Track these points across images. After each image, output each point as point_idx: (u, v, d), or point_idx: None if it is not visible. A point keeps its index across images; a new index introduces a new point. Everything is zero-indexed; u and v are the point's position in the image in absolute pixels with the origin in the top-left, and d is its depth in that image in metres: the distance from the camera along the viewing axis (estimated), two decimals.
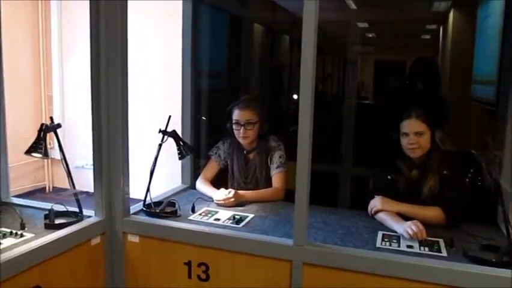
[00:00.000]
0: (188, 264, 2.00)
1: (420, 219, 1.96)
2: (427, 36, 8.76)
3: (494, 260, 1.67)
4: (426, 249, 1.81)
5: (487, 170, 1.76)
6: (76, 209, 2.07)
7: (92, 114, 2.01)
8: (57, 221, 1.96)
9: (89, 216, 2.07)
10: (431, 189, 2.11)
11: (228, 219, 2.12)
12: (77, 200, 2.08)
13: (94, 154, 2.04)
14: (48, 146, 2.00)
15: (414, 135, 2.09)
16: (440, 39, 7.18)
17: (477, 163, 1.81)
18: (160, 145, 2.22)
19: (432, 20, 7.08)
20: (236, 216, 2.14)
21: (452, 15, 5.58)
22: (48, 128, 1.98)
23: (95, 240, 2.03)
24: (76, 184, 2.10)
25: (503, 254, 1.69)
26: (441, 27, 7.11)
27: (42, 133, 1.95)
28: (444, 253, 1.78)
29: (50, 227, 1.91)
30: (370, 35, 8.89)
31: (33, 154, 1.94)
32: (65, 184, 2.09)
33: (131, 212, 2.16)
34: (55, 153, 2.11)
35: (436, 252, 1.79)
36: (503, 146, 2.14)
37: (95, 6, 1.94)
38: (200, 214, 2.19)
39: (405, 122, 2.12)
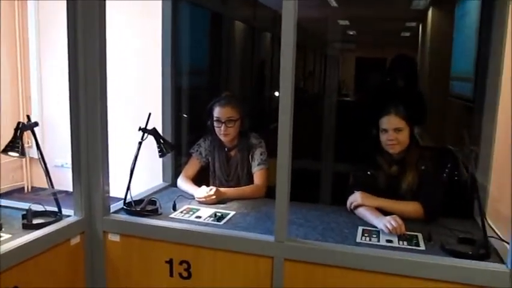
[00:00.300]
0: (170, 262, 1.99)
1: (399, 214, 1.99)
2: (407, 34, 8.87)
3: (470, 252, 1.71)
4: (405, 243, 1.84)
5: (464, 164, 1.80)
6: (55, 209, 2.04)
7: (71, 113, 1.98)
8: (35, 221, 1.93)
9: (69, 216, 2.05)
10: (409, 185, 2.14)
11: (209, 216, 2.12)
12: (56, 200, 2.05)
13: (72, 153, 2.01)
14: (26, 145, 1.96)
15: (393, 132, 2.12)
16: (420, 36, 7.28)
17: (454, 158, 1.84)
18: (140, 143, 2.20)
19: (411, 17, 7.17)
20: (217, 214, 2.14)
21: (431, 13, 5.66)
22: (25, 127, 1.94)
23: (75, 240, 2.01)
24: (55, 183, 2.06)
25: (479, 246, 1.73)
26: (421, 25, 7.21)
27: (18, 132, 1.92)
28: (422, 247, 1.81)
29: (28, 227, 1.88)
30: (351, 33, 8.95)
31: (10, 153, 1.90)
32: (45, 184, 2.05)
33: (112, 210, 2.14)
34: (34, 153, 2.07)
35: (415, 246, 1.81)
36: (480, 141, 2.19)
37: (73, 6, 1.91)
38: (181, 212, 2.18)
39: (385, 118, 2.15)
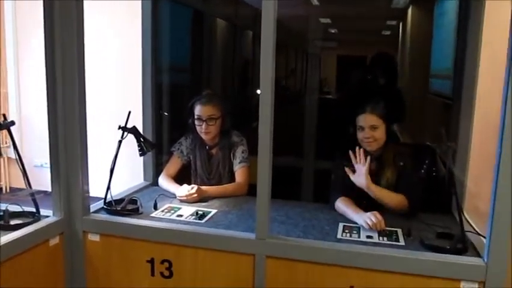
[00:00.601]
0: (151, 261, 1.97)
1: (385, 202, 2.04)
2: (388, 32, 8.95)
3: (448, 247, 1.74)
4: (385, 239, 1.86)
5: (442, 160, 1.83)
6: (33, 209, 2.01)
7: (48, 111, 1.95)
8: (12, 222, 1.89)
9: (47, 216, 2.02)
10: (388, 181, 2.17)
11: (190, 215, 2.11)
12: (34, 200, 2.02)
13: (50, 152, 1.98)
14: (4, 145, 1.92)
15: (369, 129, 2.15)
16: (400, 35, 7.36)
17: (433, 154, 1.87)
18: (120, 141, 2.18)
19: (392, 16, 7.24)
20: (199, 212, 2.13)
21: (411, 12, 5.73)
22: (1, 126, 1.91)
23: (54, 241, 1.98)
24: (35, 184, 2.03)
25: (457, 241, 1.77)
26: (401, 23, 7.29)
27: None
28: (402, 242, 1.83)
29: (5, 228, 1.84)
30: (332, 31, 9.00)
31: None
32: (23, 184, 2.02)
33: (92, 210, 2.11)
34: (12, 152, 2.03)
35: (394, 241, 1.84)
36: (457, 137, 2.23)
37: (49, 6, 1.88)
38: (162, 211, 2.17)
39: (361, 116, 2.17)
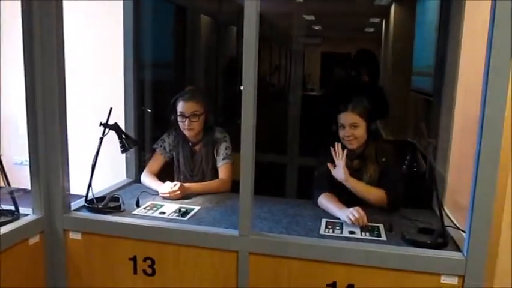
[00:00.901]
0: (134, 259, 1.96)
1: (365, 197, 2.07)
2: (371, 30, 9.02)
3: (429, 242, 1.76)
4: (367, 234, 1.87)
5: (423, 156, 1.85)
6: (12, 208, 1.97)
7: (27, 108, 1.91)
8: None
9: (27, 215, 1.98)
10: (371, 178, 2.19)
11: (173, 212, 2.10)
12: (13, 198, 1.97)
13: (29, 149, 1.94)
14: None
15: (350, 128, 2.16)
16: (383, 32, 7.42)
17: (414, 151, 1.89)
18: (101, 138, 2.15)
19: (375, 13, 7.29)
20: (182, 209, 2.12)
21: (394, 9, 5.78)
22: None
23: (34, 239, 1.95)
24: (15, 182, 1.99)
25: (438, 236, 1.79)
26: (384, 20, 7.35)
27: None
28: (384, 237, 1.85)
29: None
30: (316, 28, 9.03)
31: None
32: (2, 182, 1.98)
33: (73, 208, 2.09)
34: None
35: (376, 237, 1.85)
36: (438, 133, 2.26)
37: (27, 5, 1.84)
38: (145, 208, 2.15)
39: (342, 114, 2.19)
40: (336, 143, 2.14)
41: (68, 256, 2.03)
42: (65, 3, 1.91)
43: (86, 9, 2.85)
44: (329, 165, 2.14)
